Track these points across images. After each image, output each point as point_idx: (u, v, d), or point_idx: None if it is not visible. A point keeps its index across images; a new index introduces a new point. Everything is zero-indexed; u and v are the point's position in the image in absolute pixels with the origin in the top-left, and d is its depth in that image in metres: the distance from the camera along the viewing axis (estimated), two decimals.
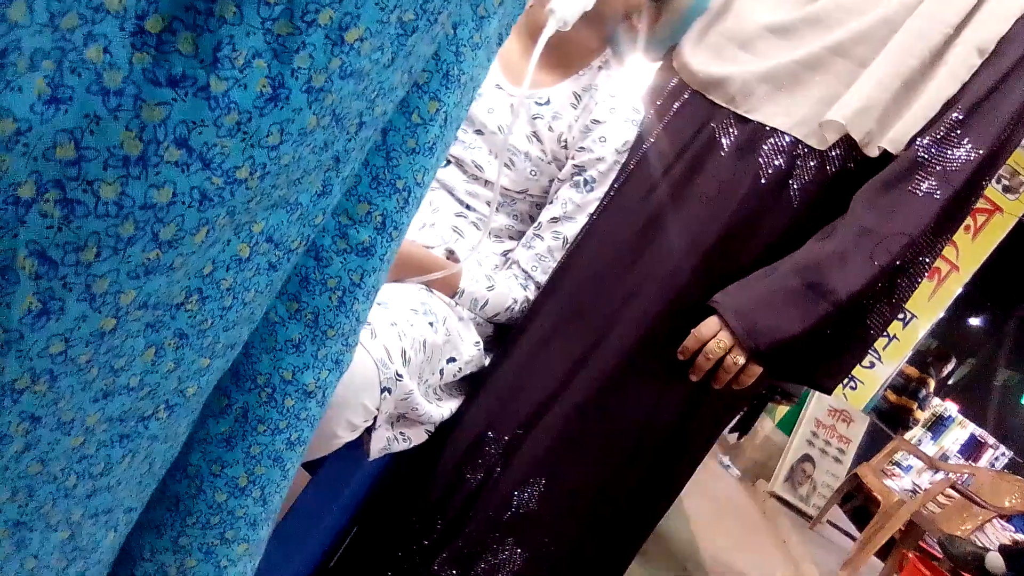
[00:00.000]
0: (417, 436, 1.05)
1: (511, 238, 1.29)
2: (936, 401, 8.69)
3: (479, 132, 1.22)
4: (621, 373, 1.06)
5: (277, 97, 0.38)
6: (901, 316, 4.78)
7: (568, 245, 1.20)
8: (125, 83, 0.34)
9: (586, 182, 1.20)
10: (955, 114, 1.00)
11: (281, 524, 1.12)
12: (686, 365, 1.05)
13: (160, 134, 0.36)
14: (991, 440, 9.57)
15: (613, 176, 1.19)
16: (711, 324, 1.03)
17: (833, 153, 1.05)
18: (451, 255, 1.16)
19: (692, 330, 1.04)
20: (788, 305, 1.00)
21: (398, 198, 0.55)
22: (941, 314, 5.18)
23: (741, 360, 1.02)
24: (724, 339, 1.02)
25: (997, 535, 4.99)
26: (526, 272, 1.21)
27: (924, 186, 1.00)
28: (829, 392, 1.13)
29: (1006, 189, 4.77)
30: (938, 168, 1.00)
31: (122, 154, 0.35)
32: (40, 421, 0.41)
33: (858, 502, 5.25)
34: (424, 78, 0.52)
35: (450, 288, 1.13)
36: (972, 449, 9.41)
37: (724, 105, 1.10)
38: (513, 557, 1.04)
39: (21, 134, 0.32)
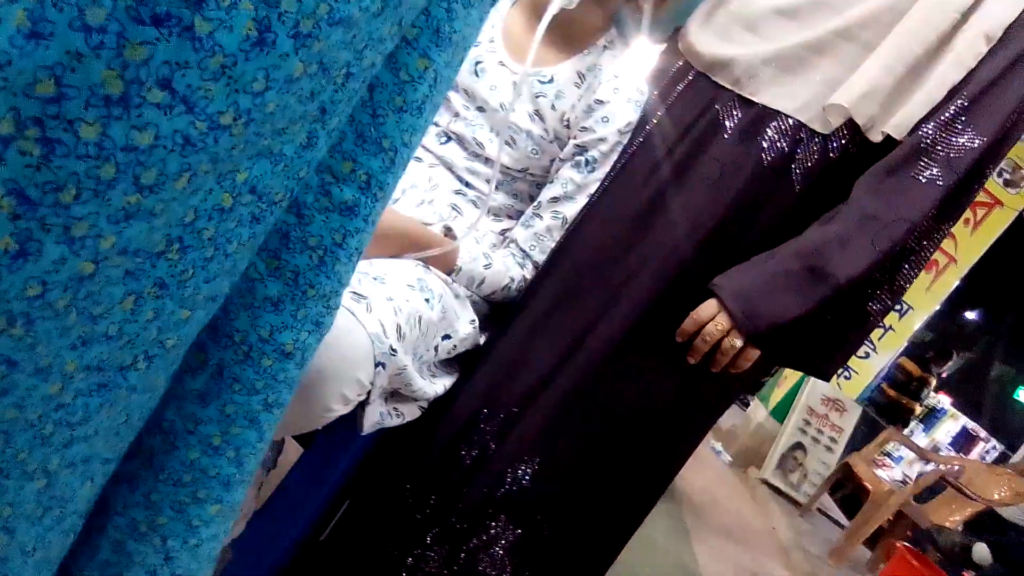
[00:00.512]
0: (411, 412, 1.05)
1: (510, 217, 1.28)
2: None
3: (481, 109, 1.21)
4: (618, 354, 1.06)
5: (263, 41, 0.38)
6: (898, 307, 4.79)
7: (567, 225, 1.20)
8: (108, 20, 0.33)
9: (587, 162, 1.19)
10: (960, 101, 0.99)
11: (273, 496, 1.13)
12: (684, 348, 1.05)
13: (143, 74, 0.35)
14: (983, 433, 9.63)
15: (615, 157, 1.19)
16: (709, 307, 1.03)
17: (836, 137, 1.05)
18: (449, 232, 1.15)
19: (691, 312, 1.04)
20: (787, 289, 0.99)
21: (384, 157, 0.54)
22: (937, 306, 5.18)
23: (738, 343, 1.02)
24: (722, 322, 1.01)
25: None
26: (524, 251, 1.21)
27: (927, 173, 0.99)
28: (827, 378, 1.12)
29: (1007, 183, 4.75)
30: (941, 155, 0.99)
31: (103, 93, 0.35)
32: (16, 366, 0.41)
33: (848, 491, 5.29)
34: (414, 34, 0.51)
35: (447, 266, 1.12)
36: (963, 441, 9.47)
37: (728, 87, 1.09)
38: (506, 534, 1.05)
39: (1, 68, 0.32)
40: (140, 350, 0.47)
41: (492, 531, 1.04)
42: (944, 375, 6.85)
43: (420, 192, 1.19)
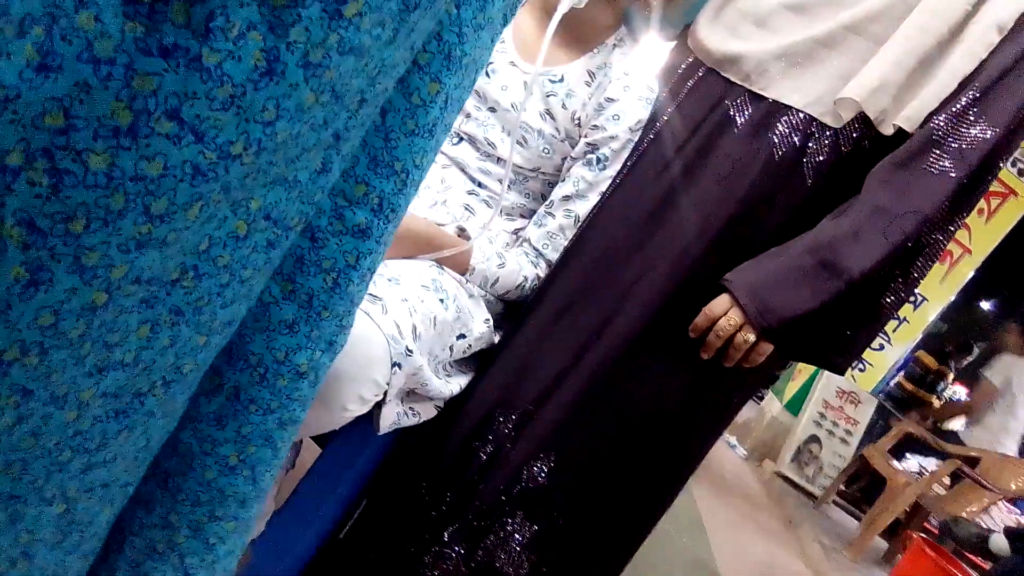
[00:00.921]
0: (427, 411, 1.06)
1: (522, 216, 1.29)
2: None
3: (492, 109, 1.22)
4: (632, 351, 1.06)
5: (272, 71, 0.38)
6: (912, 298, 4.76)
7: (580, 223, 1.20)
8: (116, 52, 0.34)
9: (599, 160, 1.19)
10: (972, 92, 0.99)
11: (292, 497, 1.14)
12: (697, 344, 1.05)
13: (151, 104, 0.35)
14: None
15: (626, 155, 1.19)
16: (722, 302, 1.03)
17: (847, 131, 1.04)
18: (462, 233, 1.16)
19: (704, 308, 1.04)
20: (800, 283, 0.99)
21: (396, 180, 0.55)
22: (952, 297, 5.15)
23: (751, 338, 1.02)
24: (735, 317, 1.02)
25: (1002, 517, 5.00)
26: (537, 250, 1.21)
27: (939, 165, 0.99)
28: (842, 372, 1.12)
29: (1021, 172, 4.71)
30: (953, 146, 0.98)
31: (112, 124, 0.35)
32: (32, 394, 0.41)
33: (864, 483, 5.26)
34: (426, 59, 0.51)
35: (461, 266, 1.13)
36: None
37: (739, 83, 1.09)
38: (522, 531, 1.05)
39: (10, 101, 0.32)
40: (157, 376, 0.48)
41: (509, 528, 1.05)
42: (966, 368, 6.80)
43: (433, 193, 1.20)
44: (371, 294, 0.90)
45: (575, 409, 1.06)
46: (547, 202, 1.23)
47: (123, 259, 0.39)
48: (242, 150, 0.39)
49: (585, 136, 1.20)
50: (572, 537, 1.07)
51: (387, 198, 0.55)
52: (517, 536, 1.05)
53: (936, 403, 6.41)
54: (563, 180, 1.22)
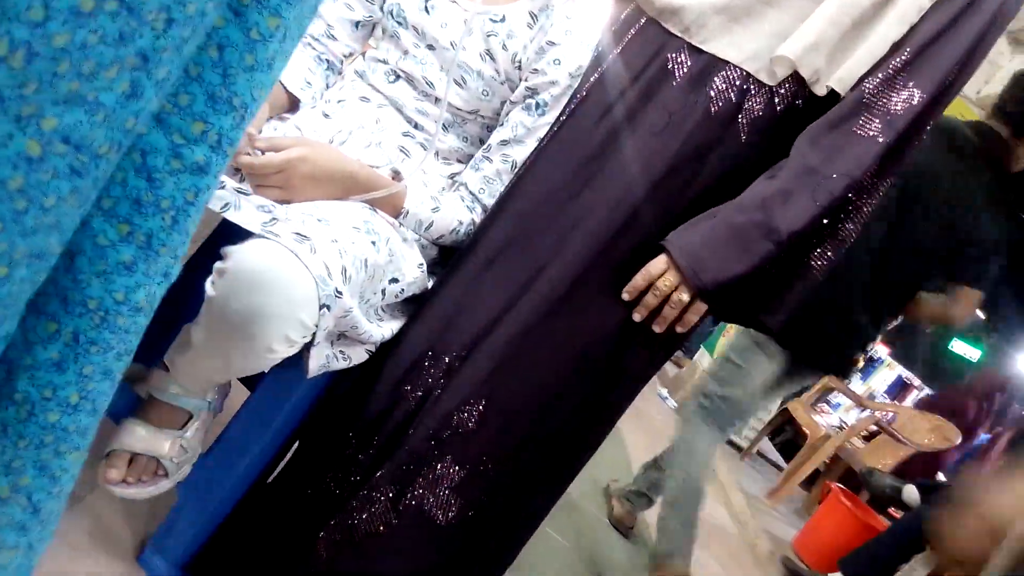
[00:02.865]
0: (357, 355, 1.05)
1: (459, 160, 1.27)
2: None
3: (431, 47, 1.19)
4: (564, 299, 1.06)
5: None
6: None
7: (517, 169, 1.19)
8: None
9: (538, 105, 1.18)
10: (902, 57, 1.00)
11: (218, 440, 1.12)
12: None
13: None
14: (916, 382, 10.00)
15: (565, 100, 1.18)
16: (659, 263, 1.04)
17: (782, 90, 1.05)
18: (396, 175, 1.14)
19: (641, 268, 1.05)
20: (732, 244, 1.01)
21: (234, 115, 0.54)
22: None
23: (686, 298, 1.03)
24: (670, 277, 1.03)
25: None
26: (473, 194, 1.20)
27: (868, 128, 1.00)
28: (774, 331, 1.14)
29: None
30: (882, 110, 1.00)
31: None
32: None
33: (787, 436, 5.48)
34: None
35: (394, 208, 1.11)
36: (898, 390, 9.83)
37: (678, 35, 1.09)
38: (451, 475, 1.06)
39: None
40: None
41: (437, 472, 1.06)
42: (890, 330, 7.06)
43: (367, 134, 1.17)
44: (299, 233, 0.87)
45: (506, 356, 1.06)
46: (484, 146, 1.21)
47: None
48: (7, 51, 0.37)
49: (525, 80, 1.18)
50: (499, 481, 1.08)
51: (226, 134, 0.54)
52: (445, 480, 1.06)
53: (860, 361, 6.67)
54: (502, 124, 1.20)
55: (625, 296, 1.06)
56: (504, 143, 1.19)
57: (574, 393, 1.08)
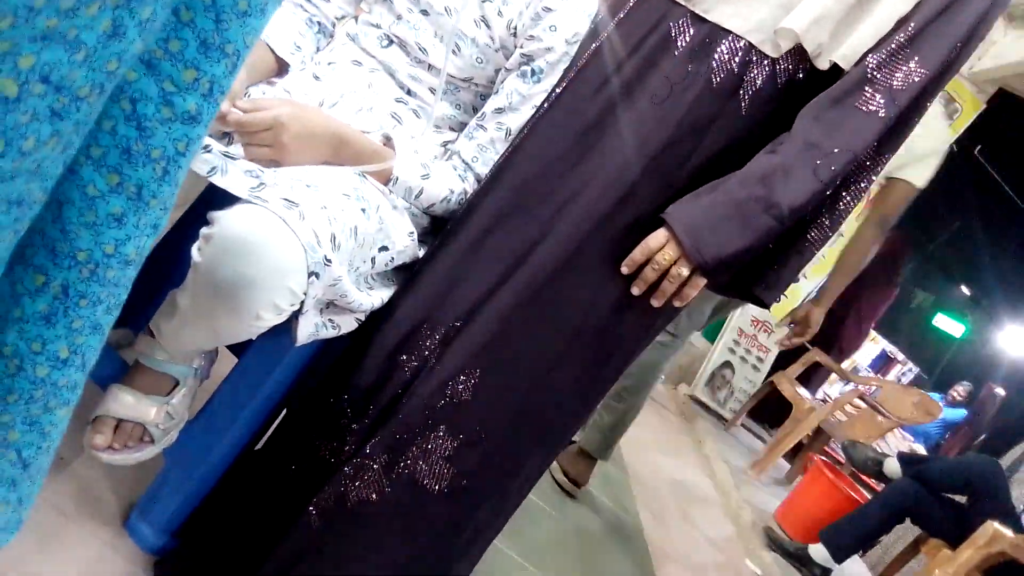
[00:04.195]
0: (347, 324, 1.04)
1: (452, 129, 1.25)
2: None
3: (424, 12, 1.16)
4: (561, 271, 1.05)
5: None
6: None
7: (512, 137, 1.17)
8: None
9: (533, 72, 1.16)
10: (906, 33, 1.00)
11: (205, 407, 1.11)
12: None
13: None
14: (900, 356, 10.12)
15: (562, 68, 1.16)
16: (659, 236, 1.03)
17: (784, 63, 1.04)
18: (388, 142, 1.12)
19: (641, 242, 1.04)
20: (734, 219, 1.00)
21: (227, 63, 0.52)
22: None
23: (685, 272, 1.02)
24: (670, 251, 1.02)
25: (897, 443, 5.34)
26: (466, 163, 1.18)
27: (870, 104, 1.00)
28: (767, 306, 1.14)
29: (942, 115, 4.85)
30: (885, 86, 0.99)
31: None
32: None
33: (772, 408, 5.53)
34: None
35: (382, 175, 1.09)
36: (882, 364, 9.95)
37: (681, 3, 1.07)
38: (444, 445, 1.06)
39: None
40: None
41: (431, 442, 1.05)
42: None
43: (359, 98, 1.15)
44: (287, 199, 0.85)
45: (502, 327, 1.06)
46: (479, 114, 1.19)
47: None
48: None
49: (520, 47, 1.15)
50: (492, 451, 1.08)
51: (218, 81, 0.53)
52: (438, 450, 1.06)
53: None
54: (496, 92, 1.18)
55: (624, 269, 1.05)
56: (499, 111, 1.17)
57: (568, 365, 1.08)
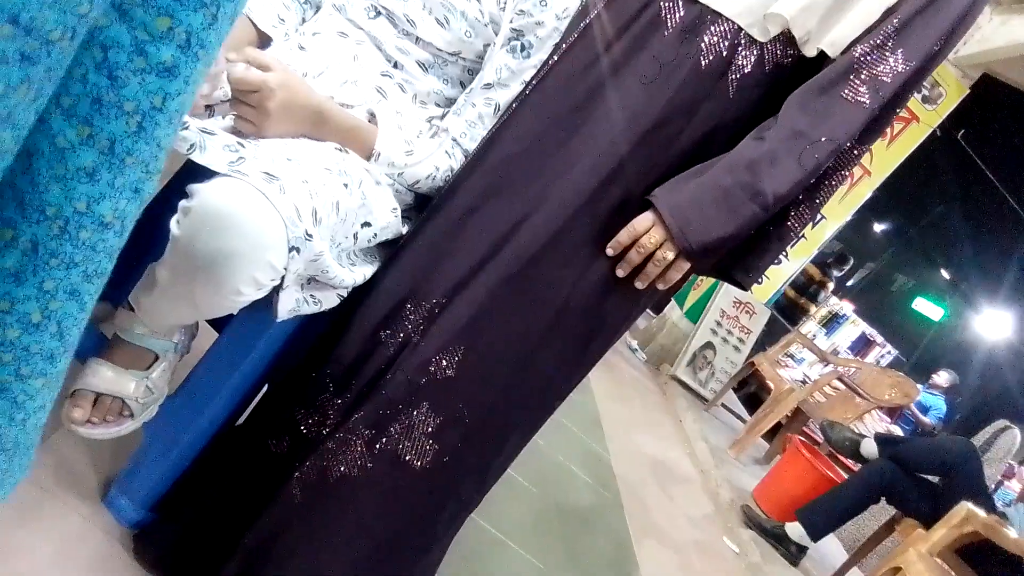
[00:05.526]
0: (328, 300, 1.03)
1: (437, 104, 1.23)
2: (834, 300, 9.21)
3: None
4: (547, 249, 1.05)
5: None
6: None
7: (500, 113, 1.16)
8: None
9: (523, 47, 1.14)
10: (893, 23, 1.00)
11: (185, 383, 1.11)
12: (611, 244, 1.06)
13: None
14: (879, 339, 10.22)
15: (552, 44, 1.15)
16: (645, 219, 1.03)
17: (772, 48, 1.04)
18: (372, 118, 1.10)
19: (627, 225, 1.04)
20: (720, 205, 1.00)
21: (205, 13, 0.50)
22: (849, 217, 5.37)
23: (670, 255, 1.03)
24: (656, 235, 1.02)
25: (874, 425, 5.41)
26: (455, 140, 1.16)
27: (856, 94, 1.00)
28: (747, 288, 1.16)
29: (924, 99, 4.88)
30: (870, 76, 1.00)
31: None
32: None
33: (751, 388, 5.58)
34: None
35: (363, 149, 1.08)
36: (861, 346, 10.04)
37: None
38: (427, 421, 1.06)
39: None
40: None
41: (414, 418, 1.05)
42: (843, 277, 7.26)
43: (344, 70, 1.13)
44: (268, 172, 0.84)
45: (487, 304, 1.05)
46: (467, 90, 1.18)
47: None
48: None
49: (510, 21, 1.14)
50: (475, 429, 1.08)
51: (195, 33, 0.50)
52: (421, 426, 1.06)
53: (815, 310, 6.87)
54: (485, 67, 1.17)
55: (609, 251, 1.05)
56: (488, 86, 1.15)
57: (553, 343, 1.08)
